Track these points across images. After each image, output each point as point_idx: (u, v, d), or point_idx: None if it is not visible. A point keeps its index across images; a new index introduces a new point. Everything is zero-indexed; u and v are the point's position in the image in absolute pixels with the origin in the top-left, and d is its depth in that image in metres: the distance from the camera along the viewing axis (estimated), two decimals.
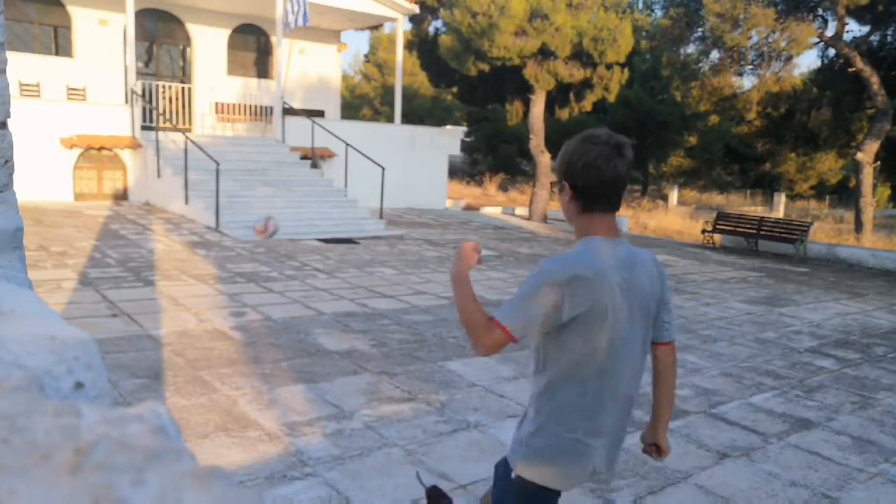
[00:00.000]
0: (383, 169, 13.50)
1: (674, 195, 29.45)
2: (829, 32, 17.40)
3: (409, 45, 21.95)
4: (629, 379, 1.85)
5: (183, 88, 15.77)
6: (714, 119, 29.15)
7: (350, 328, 6.06)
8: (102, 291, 6.76)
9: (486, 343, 1.75)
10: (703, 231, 15.17)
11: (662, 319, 1.92)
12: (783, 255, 14.10)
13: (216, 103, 16.36)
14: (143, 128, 13.88)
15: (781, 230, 14.24)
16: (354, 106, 35.86)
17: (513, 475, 1.90)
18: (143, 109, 14.13)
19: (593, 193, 1.77)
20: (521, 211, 19.89)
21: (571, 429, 1.80)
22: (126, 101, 14.30)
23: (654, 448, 2.06)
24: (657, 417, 2.03)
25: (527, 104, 18.37)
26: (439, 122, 28.02)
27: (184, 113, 15.72)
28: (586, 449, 1.81)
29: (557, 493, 1.88)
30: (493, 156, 32.98)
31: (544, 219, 18.21)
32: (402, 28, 17.81)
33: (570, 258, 1.77)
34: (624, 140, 1.77)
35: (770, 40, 17.03)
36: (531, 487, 1.86)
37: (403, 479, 3.31)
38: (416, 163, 17.17)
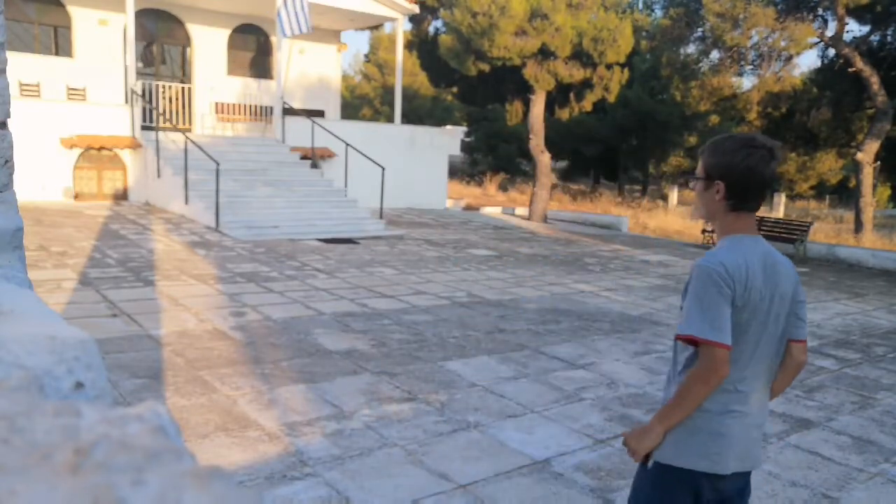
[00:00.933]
0: (383, 169, 13.50)
1: (674, 195, 29.45)
2: (830, 32, 17.41)
3: (409, 45, 21.95)
4: (766, 374, 1.94)
5: (183, 88, 15.77)
6: (714, 119, 29.13)
7: (350, 328, 6.06)
8: (102, 291, 6.76)
9: (715, 368, 1.80)
10: (704, 231, 15.17)
11: (799, 317, 1.96)
12: (783, 255, 14.08)
13: (216, 103, 16.36)
14: (143, 128, 13.88)
15: (781, 230, 14.24)
16: (355, 106, 35.87)
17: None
18: (143, 109, 14.12)
19: (747, 194, 1.88)
20: (521, 211, 19.90)
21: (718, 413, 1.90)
22: (126, 101, 14.30)
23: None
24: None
25: (527, 104, 18.37)
26: (439, 122, 28.01)
27: (184, 113, 15.72)
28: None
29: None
30: (493, 156, 32.99)
31: (544, 219, 18.21)
32: (402, 28, 17.81)
33: (724, 255, 1.86)
34: (777, 144, 1.90)
35: (770, 40, 17.03)
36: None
37: (403, 479, 3.31)
38: (416, 163, 17.17)
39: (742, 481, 1.99)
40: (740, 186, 1.86)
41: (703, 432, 1.87)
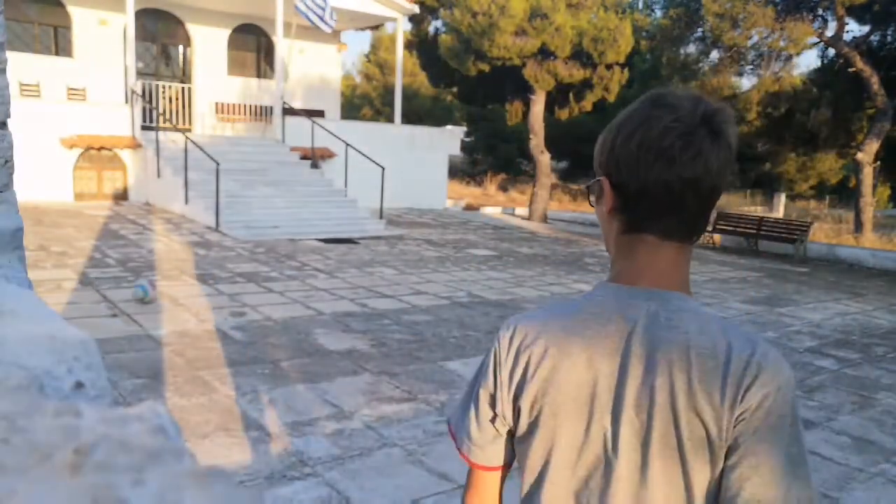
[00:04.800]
0: (383, 169, 13.50)
1: None
2: (829, 32, 17.40)
3: (409, 45, 21.95)
4: None
5: (183, 88, 15.76)
6: None
7: (350, 328, 6.06)
8: (102, 291, 6.76)
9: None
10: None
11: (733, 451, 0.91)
12: (783, 255, 14.09)
13: (216, 103, 16.36)
14: (143, 128, 13.88)
15: (781, 230, 14.24)
16: (355, 106, 35.87)
17: None
18: (143, 109, 14.12)
19: (644, 199, 0.96)
20: (521, 211, 19.89)
21: None
22: (126, 101, 14.30)
23: None
24: None
25: (527, 104, 18.37)
26: (439, 122, 28.02)
27: (184, 113, 15.72)
28: None
29: None
30: (493, 156, 32.98)
31: (544, 219, 18.21)
32: (402, 28, 17.81)
33: (532, 315, 1.05)
34: (723, 113, 0.94)
35: (769, 40, 17.03)
36: None
37: (403, 479, 3.31)
38: (416, 163, 17.17)
39: None
40: (629, 185, 0.95)
41: None
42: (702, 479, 0.89)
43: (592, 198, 1.03)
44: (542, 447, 0.97)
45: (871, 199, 17.51)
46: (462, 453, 1.07)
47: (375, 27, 23.64)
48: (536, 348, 0.97)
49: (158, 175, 13.22)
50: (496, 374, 1.01)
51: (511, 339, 1.00)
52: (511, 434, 1.02)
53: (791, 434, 0.88)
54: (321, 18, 14.17)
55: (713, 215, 14.87)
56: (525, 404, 0.97)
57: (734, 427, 0.87)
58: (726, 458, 0.88)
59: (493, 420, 1.02)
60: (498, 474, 1.05)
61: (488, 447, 1.04)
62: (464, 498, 1.09)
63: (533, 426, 0.97)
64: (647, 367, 0.91)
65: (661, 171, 0.91)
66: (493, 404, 1.02)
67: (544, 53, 16.57)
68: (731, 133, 0.94)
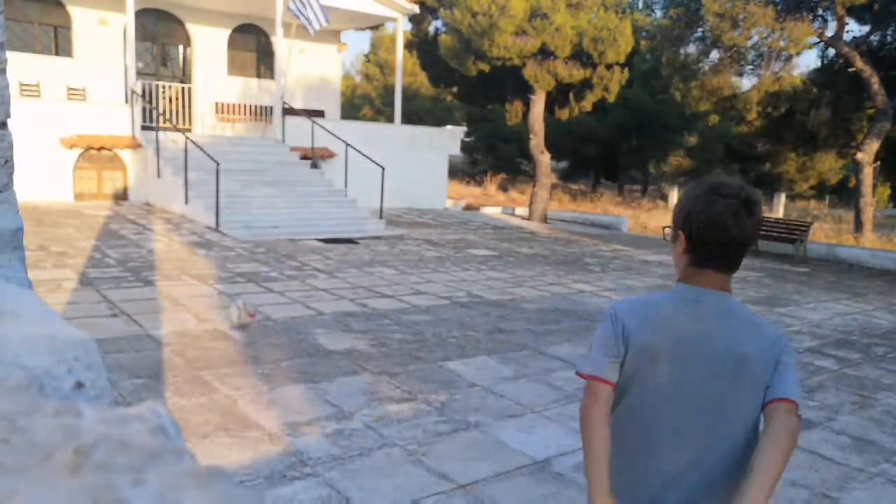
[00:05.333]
0: (383, 169, 13.50)
1: (674, 195, 29.42)
2: (829, 32, 17.40)
3: (409, 45, 21.94)
4: (679, 434, 1.64)
5: (183, 88, 15.77)
6: (714, 119, 29.14)
7: (350, 328, 6.06)
8: (102, 291, 6.76)
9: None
10: None
11: (776, 378, 1.59)
12: (783, 255, 14.09)
13: (216, 103, 16.36)
14: (143, 128, 13.88)
15: (781, 230, 14.24)
16: (355, 106, 35.87)
17: None
18: (143, 109, 14.12)
19: (709, 249, 1.59)
20: (521, 211, 19.90)
21: None
22: (126, 101, 14.30)
23: None
24: (745, 484, 1.46)
25: (527, 104, 18.37)
26: (439, 122, 28.00)
27: (184, 113, 15.72)
28: None
29: None
30: (493, 156, 32.97)
31: (544, 219, 18.21)
32: (402, 28, 17.81)
33: (635, 299, 1.82)
34: (756, 196, 1.57)
35: (769, 40, 17.02)
36: None
37: (403, 479, 3.31)
38: (416, 163, 17.17)
39: None
40: (699, 240, 1.57)
41: None
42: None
43: (669, 241, 1.71)
44: (646, 379, 1.63)
45: (871, 199, 17.51)
46: (588, 376, 1.64)
47: (375, 27, 23.64)
48: (646, 319, 1.65)
49: (158, 175, 13.22)
50: (615, 332, 1.64)
51: (626, 315, 1.65)
52: (621, 365, 1.64)
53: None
54: (307, 18, 14.16)
55: None
56: (634, 352, 1.62)
57: (771, 361, 1.60)
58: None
59: (615, 356, 1.63)
60: (611, 388, 1.63)
61: (608, 369, 1.63)
62: (583, 405, 1.63)
63: (649, 366, 1.62)
64: (723, 337, 1.61)
65: (719, 234, 1.56)
66: (615, 348, 1.63)
67: (544, 53, 16.57)
68: (760, 210, 1.59)
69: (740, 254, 1.60)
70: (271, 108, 16.22)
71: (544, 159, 18.34)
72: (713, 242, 1.57)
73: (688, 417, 1.62)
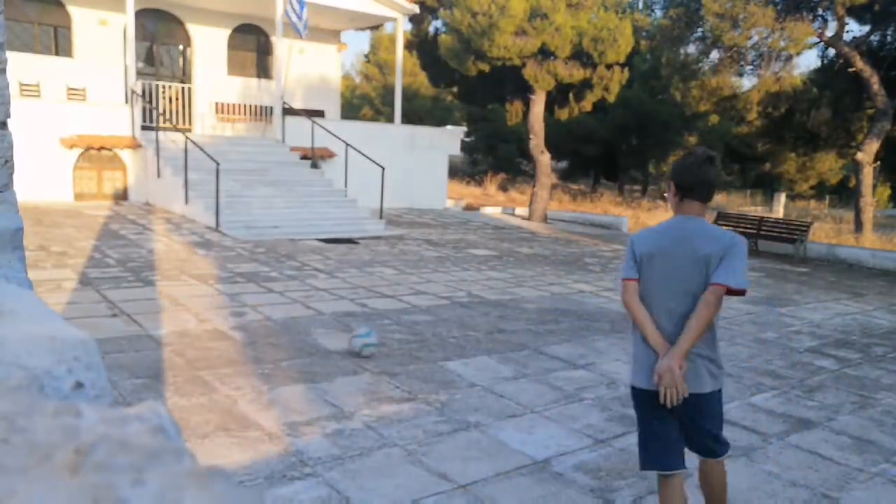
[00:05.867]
0: (383, 169, 13.50)
1: None
2: (829, 32, 17.40)
3: (409, 45, 21.94)
4: (663, 303, 2.65)
5: (183, 88, 15.77)
6: (714, 119, 29.15)
7: (350, 328, 6.06)
8: (102, 291, 6.76)
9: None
10: None
11: (721, 267, 2.54)
12: (783, 255, 14.10)
13: (216, 103, 16.36)
14: (143, 128, 13.88)
15: (781, 230, 14.24)
16: (355, 106, 35.86)
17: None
18: (143, 109, 14.12)
19: (686, 187, 2.62)
20: (521, 211, 19.90)
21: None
22: (126, 101, 14.30)
23: (664, 373, 2.50)
24: (677, 342, 2.55)
25: (527, 104, 18.37)
26: (439, 122, 28.00)
27: (184, 113, 15.72)
28: None
29: None
30: (493, 156, 32.98)
31: (544, 219, 18.21)
32: (402, 28, 17.81)
33: (644, 231, 2.85)
34: (712, 154, 2.64)
35: (769, 40, 17.02)
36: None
37: (403, 479, 3.31)
38: (416, 163, 17.17)
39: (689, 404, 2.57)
40: (681, 183, 2.62)
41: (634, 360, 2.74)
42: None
43: (666, 193, 2.95)
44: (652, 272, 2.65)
45: (871, 199, 17.51)
46: (625, 279, 2.69)
47: (375, 27, 23.64)
48: (650, 237, 2.70)
49: (158, 175, 13.22)
50: (632, 252, 2.68)
51: (636, 239, 2.71)
52: (639, 269, 2.67)
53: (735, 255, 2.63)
54: (294, 25, 14.33)
55: (714, 216, 14.88)
56: (640, 258, 2.66)
57: (713, 259, 2.52)
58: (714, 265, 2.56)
59: (635, 264, 2.67)
60: (636, 283, 2.66)
61: (633, 272, 2.67)
62: (624, 299, 2.70)
63: (648, 266, 2.63)
64: (692, 242, 2.58)
65: (692, 177, 2.58)
66: (633, 261, 2.68)
67: (544, 53, 16.57)
68: (715, 161, 2.61)
69: (709, 190, 2.63)
70: (271, 108, 16.22)
71: (544, 159, 18.34)
72: (689, 183, 2.60)
73: (669, 296, 2.61)
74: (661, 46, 20.48)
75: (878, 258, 13.24)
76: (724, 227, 14.71)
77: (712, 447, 2.71)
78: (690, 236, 2.57)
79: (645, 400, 2.63)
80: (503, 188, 29.18)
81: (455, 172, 28.92)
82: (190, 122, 15.87)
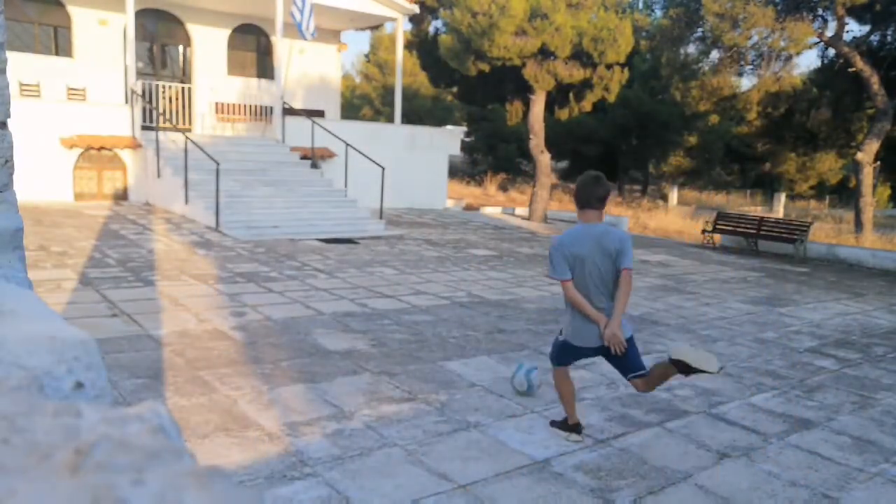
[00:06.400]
0: (383, 169, 13.50)
1: (674, 195, 29.45)
2: (829, 32, 17.40)
3: (409, 45, 21.94)
4: (597, 289, 3.70)
5: (183, 88, 15.77)
6: (714, 119, 29.15)
7: (350, 328, 6.06)
8: (102, 291, 6.76)
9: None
10: (703, 231, 15.17)
11: (621, 257, 3.62)
12: (783, 255, 14.10)
13: (216, 103, 16.36)
14: (143, 128, 13.88)
15: (781, 230, 14.24)
16: (355, 106, 35.86)
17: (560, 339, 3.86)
18: (143, 109, 14.12)
19: (581, 201, 3.69)
20: (521, 211, 19.90)
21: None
22: (126, 101, 14.30)
23: (608, 335, 3.60)
24: (612, 314, 3.63)
25: (527, 104, 18.37)
26: (439, 122, 27.99)
27: (184, 113, 15.72)
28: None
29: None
30: (493, 156, 32.98)
31: (544, 219, 18.21)
32: (402, 28, 17.81)
33: (564, 235, 3.74)
34: (600, 175, 3.69)
35: (769, 40, 17.03)
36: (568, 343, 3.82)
37: (403, 479, 3.31)
38: (416, 163, 17.17)
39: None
40: (579, 197, 3.68)
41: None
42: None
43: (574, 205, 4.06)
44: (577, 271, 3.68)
45: (871, 199, 17.51)
46: (562, 279, 3.66)
47: (375, 27, 23.65)
48: (571, 243, 3.65)
49: (158, 175, 13.22)
50: (563, 253, 3.63)
51: (562, 241, 3.67)
52: (571, 269, 3.66)
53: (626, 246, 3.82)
54: (299, 26, 14.36)
55: (714, 216, 14.85)
56: (570, 260, 3.64)
57: (617, 252, 3.65)
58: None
59: (568, 265, 3.64)
60: (572, 282, 3.66)
61: (567, 273, 3.66)
62: (566, 293, 3.69)
63: (579, 266, 3.65)
64: (601, 243, 3.64)
65: (585, 192, 3.68)
66: (565, 261, 3.64)
67: (544, 53, 16.57)
68: (604, 179, 3.73)
69: (601, 202, 3.65)
70: (271, 108, 16.22)
71: (544, 159, 18.34)
72: (585, 199, 3.64)
73: (598, 283, 3.65)
74: (661, 46, 20.47)
75: (878, 258, 13.24)
76: (724, 227, 14.83)
77: (639, 366, 3.74)
78: (599, 239, 3.59)
79: (576, 351, 3.80)
80: (503, 188, 29.18)
81: (455, 172, 28.92)
82: (190, 122, 15.87)
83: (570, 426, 3.96)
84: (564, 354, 3.84)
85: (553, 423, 4.05)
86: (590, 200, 3.59)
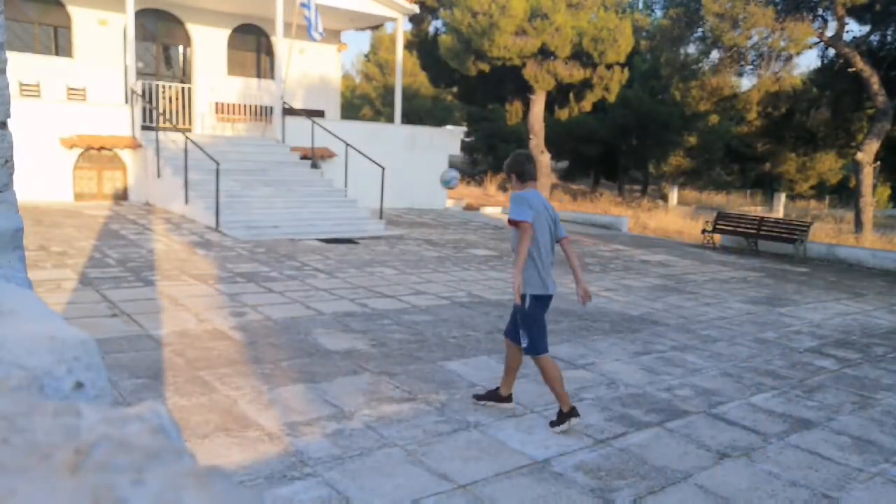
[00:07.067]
0: (383, 169, 13.50)
1: (674, 195, 29.44)
2: (829, 32, 17.40)
3: (409, 45, 21.95)
4: (546, 248, 4.12)
5: (183, 88, 15.77)
6: (714, 119, 29.16)
7: (350, 328, 6.06)
8: (102, 291, 6.76)
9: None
10: (703, 231, 15.17)
11: (558, 229, 4.23)
12: (783, 255, 14.10)
13: (216, 103, 16.36)
14: (143, 128, 13.88)
15: (781, 230, 14.23)
16: (355, 106, 35.86)
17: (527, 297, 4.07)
18: (143, 109, 14.12)
19: (524, 175, 4.18)
20: None
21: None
22: (126, 101, 14.30)
23: (583, 293, 4.20)
24: (575, 278, 4.23)
25: (527, 104, 18.38)
26: (439, 122, 27.98)
27: (184, 113, 15.72)
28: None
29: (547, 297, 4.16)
30: (493, 156, 32.96)
31: None
32: (403, 28, 17.81)
33: (527, 193, 4.12)
34: (528, 153, 4.38)
35: (769, 40, 17.03)
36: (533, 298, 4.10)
37: (403, 479, 3.31)
38: (416, 163, 17.17)
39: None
40: (519, 172, 4.16)
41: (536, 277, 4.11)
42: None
43: (509, 185, 4.52)
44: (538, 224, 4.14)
45: (871, 199, 17.52)
46: (523, 221, 3.98)
47: (375, 27, 23.64)
48: (532, 199, 4.11)
49: (158, 175, 13.22)
50: (529, 203, 4.05)
51: (530, 199, 4.08)
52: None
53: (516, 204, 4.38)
54: (310, 28, 14.42)
55: (714, 216, 14.86)
56: (534, 211, 4.06)
57: (555, 221, 4.29)
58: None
59: (532, 213, 4.04)
60: (531, 226, 4.05)
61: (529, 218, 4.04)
62: (521, 237, 3.99)
63: (537, 221, 4.08)
64: (548, 209, 4.24)
65: (525, 167, 4.22)
66: (531, 210, 4.03)
67: (544, 53, 16.57)
68: (532, 157, 4.42)
69: (535, 176, 4.21)
70: (271, 108, 16.22)
71: (544, 159, 18.35)
72: (529, 173, 4.17)
73: (548, 242, 4.10)
74: (661, 46, 20.47)
75: (878, 258, 13.24)
76: (724, 227, 14.84)
77: (516, 337, 4.24)
78: (545, 204, 4.14)
79: (544, 302, 4.10)
80: (503, 188, 29.17)
81: None
82: (190, 122, 15.87)
83: (566, 414, 4.04)
84: (539, 322, 4.07)
85: (553, 424, 4.05)
86: (533, 174, 4.16)
